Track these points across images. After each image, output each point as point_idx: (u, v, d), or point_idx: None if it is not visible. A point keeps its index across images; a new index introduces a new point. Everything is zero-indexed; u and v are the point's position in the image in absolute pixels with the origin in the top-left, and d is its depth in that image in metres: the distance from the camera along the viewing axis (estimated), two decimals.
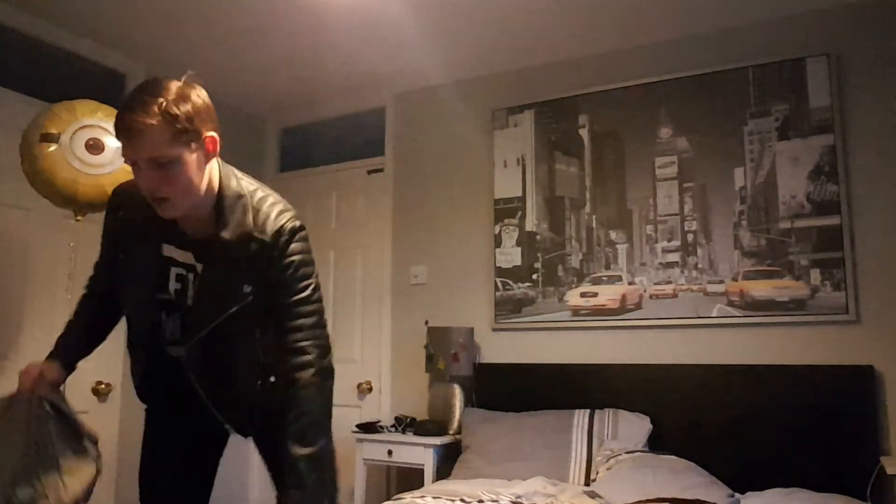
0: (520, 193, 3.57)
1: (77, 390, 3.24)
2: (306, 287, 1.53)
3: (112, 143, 2.50)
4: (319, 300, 1.59)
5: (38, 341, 3.08)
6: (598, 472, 2.73)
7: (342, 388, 3.96)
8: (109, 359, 3.40)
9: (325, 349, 1.66)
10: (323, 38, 3.36)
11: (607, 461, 2.72)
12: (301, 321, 1.52)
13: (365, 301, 3.97)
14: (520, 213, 3.55)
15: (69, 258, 3.14)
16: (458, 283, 3.69)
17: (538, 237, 3.50)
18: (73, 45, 3.32)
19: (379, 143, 4.07)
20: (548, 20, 3.15)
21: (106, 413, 3.34)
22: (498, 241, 3.59)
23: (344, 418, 3.90)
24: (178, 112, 1.32)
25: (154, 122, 1.30)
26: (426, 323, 3.63)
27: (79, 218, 2.58)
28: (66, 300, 3.19)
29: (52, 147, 2.42)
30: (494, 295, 3.55)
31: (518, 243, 3.54)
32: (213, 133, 1.42)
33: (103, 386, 3.30)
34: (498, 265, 3.57)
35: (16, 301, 3.01)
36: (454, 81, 3.84)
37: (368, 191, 4.07)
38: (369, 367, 3.90)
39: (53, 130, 2.43)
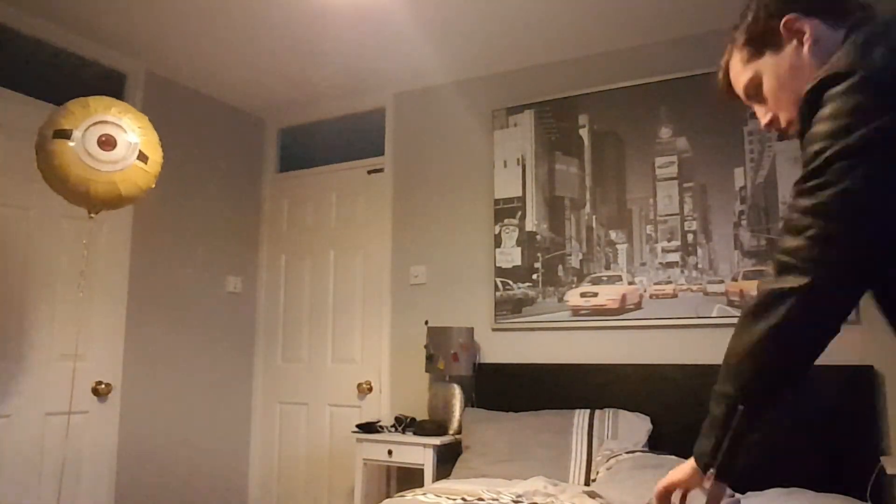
0: (520, 193, 3.57)
1: (77, 390, 3.25)
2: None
3: (124, 139, 2.44)
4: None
5: (37, 342, 3.08)
6: (598, 472, 2.73)
7: (342, 388, 3.99)
8: (109, 359, 3.41)
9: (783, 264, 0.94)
10: (323, 38, 3.37)
11: (607, 461, 2.72)
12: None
13: (365, 301, 3.98)
14: (520, 213, 3.55)
15: (82, 256, 3.15)
16: (458, 283, 3.69)
17: (538, 237, 3.50)
18: (73, 45, 3.32)
19: (379, 143, 4.07)
20: (547, 20, 3.15)
21: (106, 413, 3.34)
22: (498, 241, 3.59)
23: (344, 418, 3.92)
24: None
25: None
26: (426, 323, 3.63)
27: (92, 216, 2.53)
28: (73, 300, 3.19)
29: (66, 144, 2.36)
30: (494, 295, 3.55)
31: (518, 243, 3.54)
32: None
33: (103, 386, 3.30)
34: (498, 265, 3.57)
35: (16, 302, 3.01)
36: (454, 81, 3.85)
37: (368, 191, 4.08)
38: (369, 367, 3.90)
39: (67, 127, 2.38)
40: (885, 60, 0.87)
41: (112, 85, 3.53)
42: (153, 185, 2.59)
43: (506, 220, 3.58)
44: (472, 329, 3.46)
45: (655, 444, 2.89)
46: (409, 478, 3.57)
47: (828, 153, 0.87)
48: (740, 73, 1.17)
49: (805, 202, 0.89)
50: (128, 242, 3.51)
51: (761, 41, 1.13)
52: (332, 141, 4.32)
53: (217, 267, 4.05)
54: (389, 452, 3.24)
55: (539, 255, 3.48)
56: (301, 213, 4.30)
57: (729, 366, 0.97)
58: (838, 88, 0.89)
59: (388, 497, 3.52)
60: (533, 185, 3.54)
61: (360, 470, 3.34)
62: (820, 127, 0.90)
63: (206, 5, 3.05)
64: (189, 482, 3.76)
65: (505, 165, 3.62)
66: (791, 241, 0.90)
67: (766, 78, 1.12)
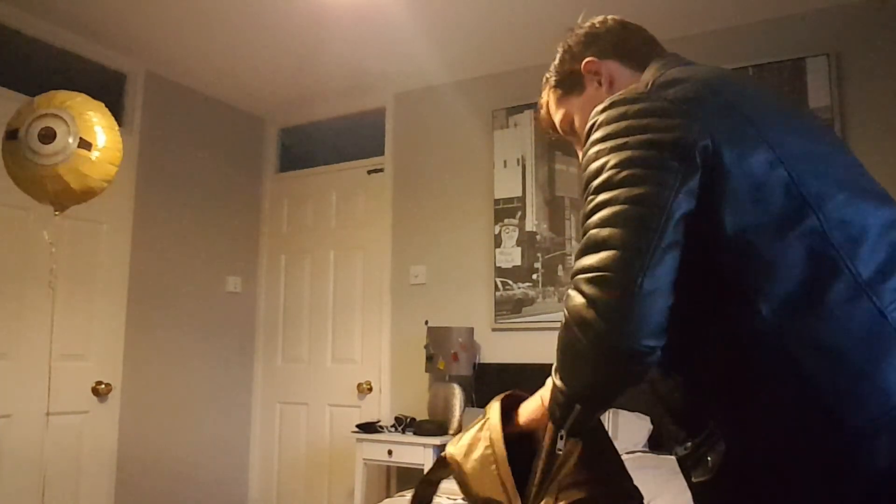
0: (520, 193, 3.57)
1: (77, 390, 3.25)
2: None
3: (63, 128, 2.30)
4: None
5: (35, 340, 3.08)
6: None
7: (342, 389, 3.98)
8: (109, 359, 3.41)
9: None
10: (323, 38, 3.36)
11: None
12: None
13: (365, 301, 3.97)
14: (520, 213, 3.55)
15: (50, 254, 3.06)
16: (458, 283, 3.69)
17: (538, 237, 3.50)
18: (73, 45, 3.32)
19: (379, 143, 4.07)
20: (548, 20, 3.15)
21: (106, 413, 3.34)
22: (498, 241, 3.59)
23: (344, 418, 3.92)
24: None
25: None
26: (426, 323, 3.63)
27: (56, 213, 2.46)
28: (74, 300, 3.18)
29: (13, 144, 2.28)
30: (494, 295, 3.55)
31: (518, 243, 3.54)
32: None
33: (103, 386, 3.30)
34: (498, 265, 3.56)
35: (16, 301, 3.01)
36: (454, 81, 3.84)
37: (368, 191, 4.08)
38: (369, 367, 3.90)
39: (14, 127, 2.29)
40: (674, 96, 0.87)
41: (112, 85, 3.53)
42: (111, 173, 2.38)
43: (506, 220, 3.58)
44: (472, 329, 3.46)
45: (655, 444, 2.89)
46: (409, 478, 3.56)
47: (609, 166, 0.85)
48: (554, 112, 1.21)
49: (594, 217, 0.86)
50: (128, 242, 3.51)
51: (568, 82, 1.17)
52: (332, 141, 4.32)
53: (217, 267, 4.05)
54: (389, 452, 3.24)
55: (539, 255, 3.48)
56: (301, 213, 4.30)
57: (565, 368, 0.89)
58: (622, 110, 0.89)
59: (388, 497, 3.51)
60: (533, 185, 3.54)
61: (360, 470, 3.34)
62: (600, 145, 0.88)
63: (206, 6, 3.05)
64: (189, 482, 3.76)
65: (505, 165, 3.62)
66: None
67: (576, 116, 1.17)
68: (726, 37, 3.20)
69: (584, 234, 0.86)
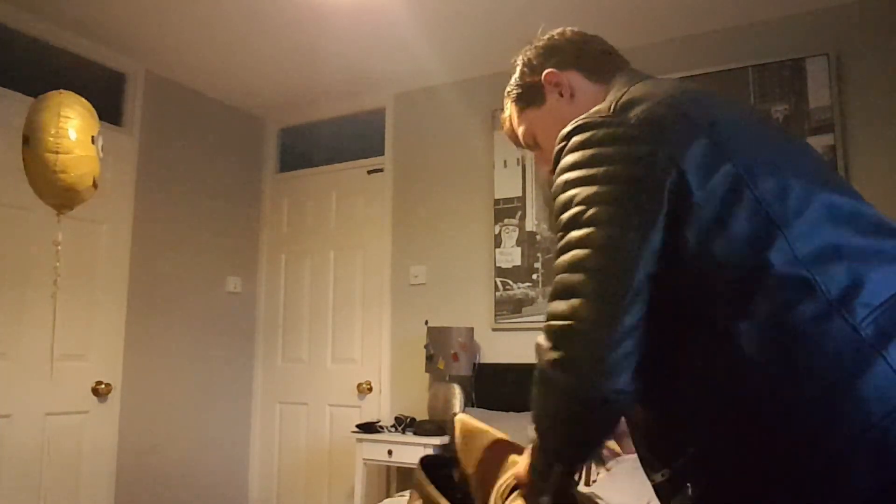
0: (520, 193, 3.57)
1: (77, 390, 3.25)
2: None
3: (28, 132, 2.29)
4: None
5: (35, 340, 3.08)
6: (598, 474, 2.72)
7: (342, 389, 3.98)
8: (109, 359, 3.41)
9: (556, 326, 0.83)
10: (323, 38, 3.36)
11: (607, 462, 2.72)
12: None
13: (365, 301, 3.97)
14: (520, 213, 3.55)
15: (55, 254, 3.04)
16: (458, 283, 3.69)
17: (538, 237, 3.50)
18: (73, 45, 3.32)
19: (379, 143, 4.07)
20: (548, 20, 3.15)
21: (106, 413, 3.34)
22: (498, 241, 3.59)
23: (344, 418, 3.92)
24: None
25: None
26: (426, 323, 3.63)
27: (56, 217, 2.45)
28: (73, 300, 3.19)
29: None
30: (494, 295, 3.55)
31: (518, 243, 3.54)
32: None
33: (103, 386, 3.30)
34: (498, 265, 3.56)
35: (16, 301, 3.01)
36: (454, 81, 3.84)
37: (368, 191, 4.07)
38: (369, 367, 3.90)
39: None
40: (638, 118, 0.86)
41: (112, 85, 3.53)
42: (59, 163, 2.23)
43: (506, 220, 3.58)
44: (472, 329, 3.46)
45: None
46: (409, 478, 3.56)
47: (577, 200, 0.84)
48: (517, 126, 1.19)
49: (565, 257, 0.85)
50: (128, 242, 3.51)
51: (528, 95, 1.15)
52: (332, 141, 4.32)
53: (217, 267, 4.05)
54: (389, 452, 3.24)
55: (539, 255, 3.48)
56: (301, 213, 4.30)
57: (540, 424, 0.89)
58: (587, 135, 0.88)
59: (388, 497, 3.52)
60: (533, 185, 3.54)
61: (360, 470, 3.34)
62: (568, 174, 0.87)
63: (206, 6, 3.05)
64: (189, 482, 3.76)
65: (505, 165, 3.62)
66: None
67: (537, 130, 1.15)
68: (726, 37, 3.20)
69: (556, 273, 0.85)
